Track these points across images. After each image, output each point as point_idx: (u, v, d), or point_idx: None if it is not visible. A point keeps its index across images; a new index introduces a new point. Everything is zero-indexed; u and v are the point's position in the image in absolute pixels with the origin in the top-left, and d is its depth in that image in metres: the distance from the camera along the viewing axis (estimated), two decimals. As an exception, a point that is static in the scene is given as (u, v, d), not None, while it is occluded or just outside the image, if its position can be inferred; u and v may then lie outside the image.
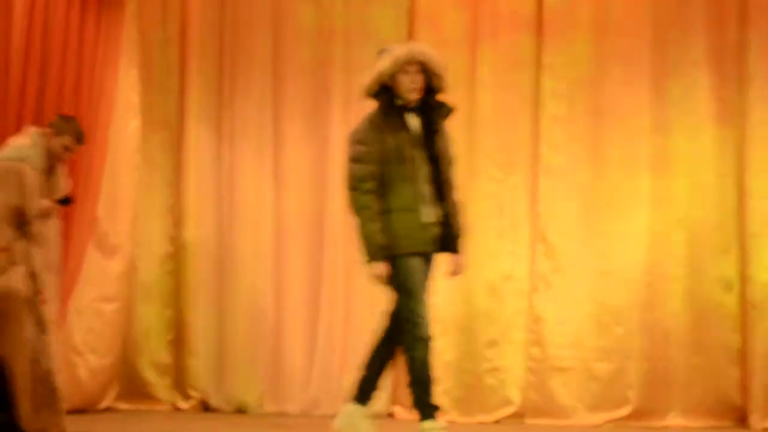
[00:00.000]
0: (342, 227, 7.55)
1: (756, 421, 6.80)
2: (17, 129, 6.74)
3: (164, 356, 7.75)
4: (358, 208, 5.48)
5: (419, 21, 7.61)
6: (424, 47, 5.66)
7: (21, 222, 5.64)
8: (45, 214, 5.81)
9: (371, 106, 5.56)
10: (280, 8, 7.84)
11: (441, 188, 5.51)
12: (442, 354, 7.25)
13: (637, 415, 7.03)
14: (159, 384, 7.71)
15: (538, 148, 7.34)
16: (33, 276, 5.65)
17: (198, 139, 7.83)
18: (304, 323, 7.63)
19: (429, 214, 5.47)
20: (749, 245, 6.98)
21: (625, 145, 7.19)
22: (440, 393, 7.15)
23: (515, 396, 7.17)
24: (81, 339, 7.36)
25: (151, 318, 7.77)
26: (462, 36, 7.47)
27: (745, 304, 6.99)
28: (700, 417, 6.99)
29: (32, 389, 5.64)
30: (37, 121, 6.90)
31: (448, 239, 5.54)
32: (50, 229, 5.96)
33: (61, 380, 5.82)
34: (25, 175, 5.68)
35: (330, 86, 7.73)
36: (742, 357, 6.99)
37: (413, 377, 5.48)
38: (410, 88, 5.50)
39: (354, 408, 5.59)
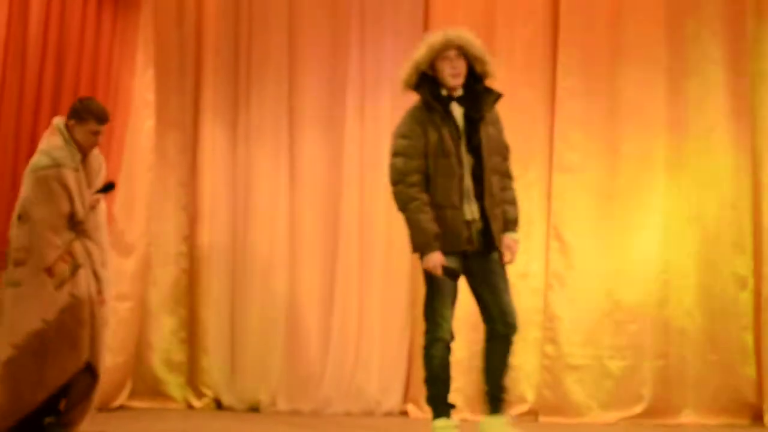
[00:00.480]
0: (357, 227, 7.62)
1: (771, 418, 6.72)
2: (33, 127, 6.83)
3: (178, 354, 7.75)
4: (405, 201, 5.34)
5: (433, 22, 7.55)
6: (462, 31, 5.47)
7: (74, 223, 5.65)
8: (92, 207, 5.78)
9: (413, 99, 5.48)
10: (295, 9, 7.85)
11: (482, 180, 5.32)
12: (455, 352, 7.16)
13: (651, 412, 6.96)
14: (172, 382, 7.71)
15: (552, 146, 7.32)
16: (95, 276, 5.69)
17: (213, 139, 7.85)
18: (317, 323, 7.62)
19: (473, 210, 5.33)
20: (764, 242, 6.94)
21: (639, 142, 7.15)
22: (453, 391, 7.15)
23: (529, 394, 7.14)
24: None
25: (165, 316, 7.77)
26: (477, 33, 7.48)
27: (759, 301, 6.92)
28: (715, 415, 6.92)
29: (84, 393, 5.73)
30: (52, 118, 6.97)
31: (493, 233, 5.35)
32: (99, 221, 5.88)
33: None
34: (66, 179, 5.65)
35: (346, 87, 7.74)
36: (757, 354, 6.92)
37: (428, 375, 5.48)
38: (450, 74, 5.34)
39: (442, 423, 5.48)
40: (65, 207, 5.62)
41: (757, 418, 6.85)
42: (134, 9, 7.54)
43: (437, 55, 5.35)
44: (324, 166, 7.75)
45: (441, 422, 5.43)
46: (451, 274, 5.34)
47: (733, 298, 7.00)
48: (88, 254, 5.68)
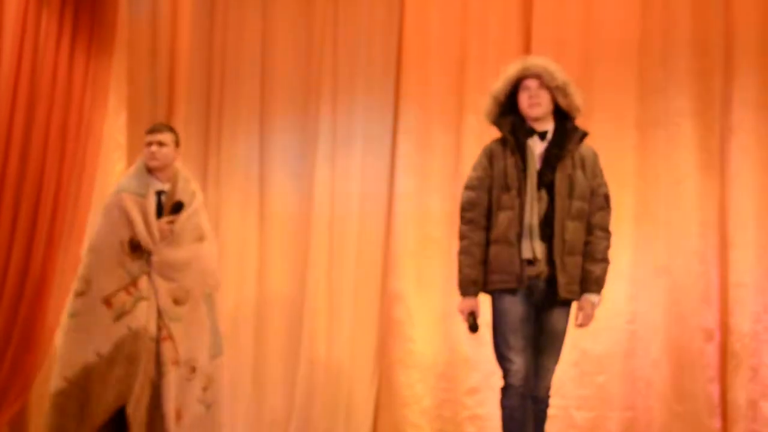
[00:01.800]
0: (325, 274, 7.62)
1: (737, 472, 6.71)
2: (1, 171, 6.85)
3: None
4: (460, 237, 5.13)
5: (407, 55, 7.69)
6: (542, 60, 5.25)
7: (142, 252, 5.46)
8: (164, 236, 5.55)
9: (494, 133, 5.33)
10: (268, 57, 7.92)
11: (553, 222, 4.98)
12: (420, 400, 7.33)
13: None
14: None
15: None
16: (159, 312, 5.44)
17: (184, 181, 7.86)
18: (283, 370, 7.63)
19: (535, 249, 4.97)
20: (731, 295, 6.95)
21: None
22: None
23: None
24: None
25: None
26: (449, 85, 7.56)
27: (725, 353, 6.93)
28: None
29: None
30: (23, 161, 6.97)
31: (557, 284, 5.00)
32: (181, 257, 5.60)
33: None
34: (125, 204, 5.53)
35: (318, 133, 7.77)
36: (723, 406, 6.91)
37: (502, 425, 5.22)
38: (528, 104, 5.09)
39: None
40: (126, 234, 5.47)
41: (724, 471, 6.85)
42: (107, 52, 7.55)
43: (515, 86, 5.14)
44: (294, 212, 7.78)
45: None
46: (471, 327, 5.15)
47: (700, 350, 6.97)
48: (156, 289, 5.44)
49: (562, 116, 5.20)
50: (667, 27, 7.25)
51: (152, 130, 5.72)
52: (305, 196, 7.72)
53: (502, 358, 5.10)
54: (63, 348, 5.58)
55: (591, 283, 5.11)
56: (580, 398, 7.05)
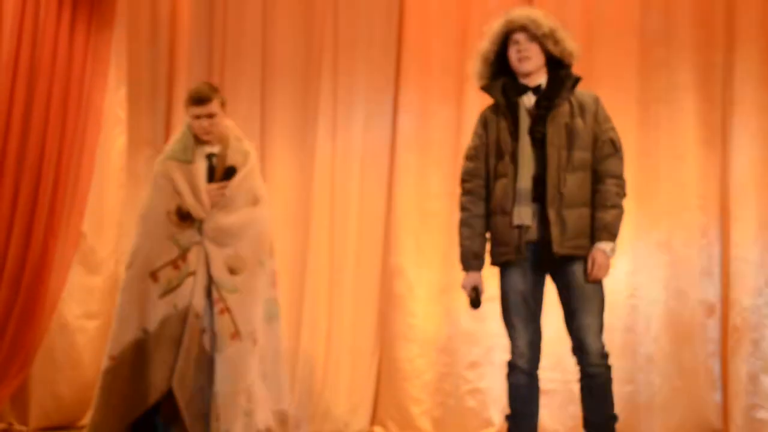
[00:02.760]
0: (326, 252, 7.63)
1: (737, 445, 6.78)
2: (2, 145, 6.94)
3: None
4: (460, 209, 4.98)
5: (407, 32, 7.71)
6: (526, 10, 5.01)
7: (192, 221, 5.20)
8: (214, 202, 5.25)
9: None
10: (269, 31, 7.91)
11: (546, 179, 4.73)
12: (421, 374, 7.38)
13: None
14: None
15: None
16: (213, 284, 5.16)
17: (184, 157, 7.87)
18: (285, 344, 7.61)
19: (521, 214, 4.77)
20: (732, 269, 6.98)
21: None
22: (419, 414, 7.33)
23: (495, 417, 7.16)
24: (63, 355, 7.33)
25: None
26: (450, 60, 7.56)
27: (726, 328, 6.99)
28: None
29: (194, 418, 5.15)
30: (24, 135, 7.05)
31: (552, 240, 4.74)
32: (235, 221, 5.32)
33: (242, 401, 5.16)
34: (171, 171, 5.31)
35: (318, 105, 7.76)
36: (724, 381, 6.98)
37: (508, 400, 5.08)
38: (516, 58, 4.85)
39: None
40: (172, 204, 5.22)
41: (723, 444, 6.91)
42: (107, 27, 7.58)
43: (501, 42, 4.93)
44: (294, 182, 7.77)
45: None
46: (473, 302, 5.04)
47: (701, 324, 7.05)
48: (207, 260, 5.14)
49: (558, 66, 4.98)
50: (667, 2, 7.29)
51: (198, 101, 5.35)
52: (306, 172, 7.72)
53: (510, 336, 5.01)
54: (113, 325, 5.36)
55: (601, 230, 4.80)
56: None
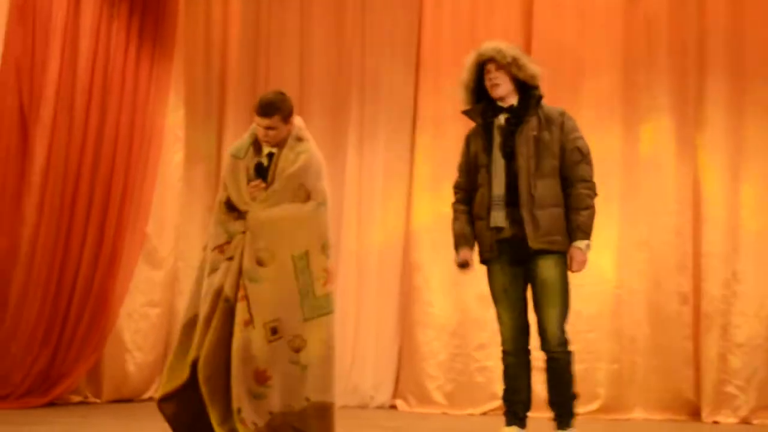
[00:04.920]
0: (355, 248, 8.43)
1: (707, 415, 7.53)
2: (77, 165, 7.50)
3: (200, 354, 8.61)
4: (452, 212, 5.45)
5: (424, 59, 8.58)
6: (493, 43, 5.37)
7: (239, 212, 5.20)
8: (254, 197, 5.21)
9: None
10: (305, 62, 8.81)
11: (517, 186, 5.13)
12: (437, 355, 8.14)
13: (605, 409, 7.71)
14: (195, 377, 8.57)
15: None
16: (240, 271, 5.10)
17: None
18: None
19: (496, 218, 5.17)
20: (703, 264, 7.72)
21: (598, 177, 7.59)
22: (435, 389, 8.06)
23: (500, 392, 7.75)
24: (130, 338, 8.10)
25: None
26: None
27: (698, 314, 7.69)
28: (660, 411, 7.68)
29: (212, 393, 5.05)
30: (97, 153, 7.69)
31: (527, 239, 5.12)
32: (277, 214, 5.19)
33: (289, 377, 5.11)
34: (226, 166, 5.38)
35: (348, 125, 8.66)
36: (696, 360, 7.68)
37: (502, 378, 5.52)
38: (488, 86, 5.26)
39: None
40: (224, 194, 5.27)
41: (695, 414, 7.64)
42: (168, 58, 8.42)
43: (477, 73, 5.31)
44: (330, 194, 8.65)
45: (503, 430, 5.42)
46: (461, 264, 5.40)
47: (677, 311, 7.77)
48: (244, 248, 5.10)
49: (527, 87, 5.35)
50: (648, 36, 8.07)
51: (260, 114, 5.28)
52: (337, 181, 8.41)
53: (499, 324, 5.45)
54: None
55: (576, 230, 5.19)
56: (574, 352, 7.82)
